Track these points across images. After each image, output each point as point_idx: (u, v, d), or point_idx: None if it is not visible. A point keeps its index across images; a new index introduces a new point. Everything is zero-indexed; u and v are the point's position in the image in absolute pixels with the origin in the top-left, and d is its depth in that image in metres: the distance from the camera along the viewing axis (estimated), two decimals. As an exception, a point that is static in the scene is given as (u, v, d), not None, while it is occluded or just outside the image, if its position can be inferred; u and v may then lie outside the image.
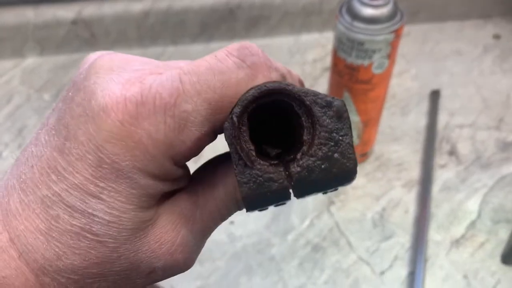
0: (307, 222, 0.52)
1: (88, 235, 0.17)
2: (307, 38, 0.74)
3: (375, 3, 0.43)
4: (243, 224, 0.52)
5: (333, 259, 0.49)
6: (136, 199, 0.17)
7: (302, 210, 0.53)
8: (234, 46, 0.19)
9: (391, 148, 0.59)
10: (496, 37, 0.73)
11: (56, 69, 0.71)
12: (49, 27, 0.70)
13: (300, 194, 0.17)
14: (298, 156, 0.16)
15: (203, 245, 0.21)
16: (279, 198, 0.17)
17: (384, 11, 0.43)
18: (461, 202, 0.53)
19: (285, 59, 0.71)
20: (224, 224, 0.51)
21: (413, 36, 0.73)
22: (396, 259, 0.49)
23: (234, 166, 0.16)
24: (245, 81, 0.18)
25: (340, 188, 0.56)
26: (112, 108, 0.16)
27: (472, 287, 0.47)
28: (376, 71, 0.46)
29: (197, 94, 0.17)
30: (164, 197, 0.19)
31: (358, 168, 0.60)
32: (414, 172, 0.56)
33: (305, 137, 0.17)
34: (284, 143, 0.18)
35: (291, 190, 0.17)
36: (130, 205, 0.17)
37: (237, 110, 0.17)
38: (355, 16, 0.43)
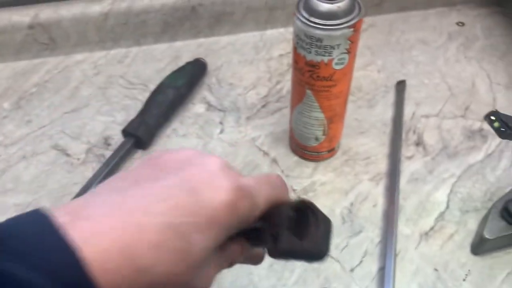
0: (276, 222, 0.51)
1: (183, 255, 0.24)
2: (272, 33, 0.73)
3: (331, -2, 0.42)
4: (212, 228, 0.51)
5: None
6: (217, 244, 0.26)
7: (271, 210, 0.52)
8: (275, 174, 0.32)
9: (358, 142, 0.58)
10: (460, 24, 0.73)
11: (15, 76, 0.69)
12: (5, 32, 0.67)
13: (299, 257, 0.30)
14: (309, 237, 0.29)
15: None
16: (294, 256, 0.29)
17: (341, 5, 0.42)
18: (429, 193, 0.53)
19: (251, 56, 0.70)
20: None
21: (378, 27, 0.73)
22: (366, 255, 0.49)
23: (281, 233, 0.28)
24: (284, 194, 0.31)
25: (309, 186, 0.55)
26: (229, 190, 0.26)
27: (443, 279, 0.47)
28: (337, 67, 0.45)
29: (263, 195, 0.29)
30: None
31: (326, 163, 0.59)
32: (382, 165, 0.56)
33: (311, 229, 0.29)
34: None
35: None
36: (213, 245, 0.26)
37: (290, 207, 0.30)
38: (312, 11, 0.43)
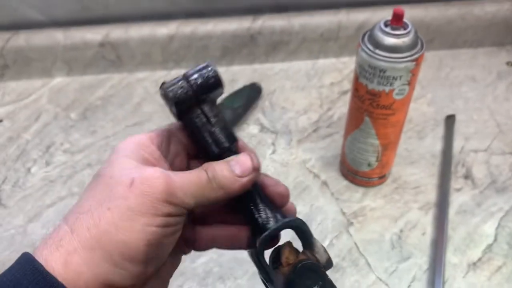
0: (326, 242, 0.53)
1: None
2: (324, 62, 0.76)
3: (397, 32, 0.45)
4: (265, 243, 0.53)
5: (352, 279, 0.50)
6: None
7: (322, 230, 0.54)
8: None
9: (408, 171, 0.60)
10: (510, 64, 0.75)
11: (82, 89, 0.74)
12: (77, 49, 0.73)
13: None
14: None
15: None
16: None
17: (405, 40, 0.45)
18: (477, 225, 0.54)
19: (303, 83, 0.73)
20: (246, 242, 0.53)
21: (429, 62, 0.75)
22: (414, 280, 0.50)
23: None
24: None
25: (359, 210, 0.57)
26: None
27: (490, 309, 0.47)
28: (397, 97, 0.48)
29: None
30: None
31: (376, 190, 0.60)
32: (431, 195, 0.57)
33: None
34: None
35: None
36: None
37: None
38: (378, 44, 0.46)
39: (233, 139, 0.31)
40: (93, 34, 0.72)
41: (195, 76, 0.30)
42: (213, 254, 0.52)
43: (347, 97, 0.67)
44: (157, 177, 0.27)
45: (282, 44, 0.74)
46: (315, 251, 0.31)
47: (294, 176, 0.61)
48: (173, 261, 0.32)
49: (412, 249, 0.52)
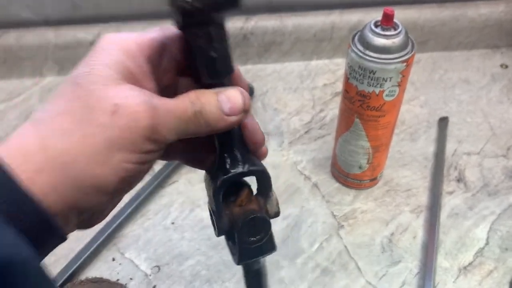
0: (316, 246, 0.52)
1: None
2: (317, 63, 0.76)
3: (387, 33, 0.44)
4: (253, 246, 0.53)
5: (341, 283, 0.49)
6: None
7: (311, 233, 0.53)
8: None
9: (400, 173, 0.59)
10: (504, 66, 0.74)
11: (73, 89, 0.73)
12: (69, 48, 0.72)
13: None
14: None
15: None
16: None
17: (395, 41, 0.44)
18: (469, 229, 0.54)
19: (296, 84, 0.73)
20: (235, 245, 0.52)
21: (422, 64, 0.75)
22: (404, 285, 0.49)
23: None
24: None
25: (349, 212, 0.56)
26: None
27: (480, 314, 0.47)
28: (387, 98, 0.47)
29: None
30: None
31: (367, 192, 0.60)
32: (423, 198, 0.57)
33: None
34: None
35: None
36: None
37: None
38: (368, 45, 0.45)
39: (229, 71, 0.28)
40: (85, 33, 0.72)
41: None
42: (200, 257, 0.52)
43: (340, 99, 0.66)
44: (143, 110, 0.24)
45: (275, 44, 0.74)
46: (268, 202, 0.32)
47: (285, 178, 0.60)
48: None
49: (402, 253, 0.52)
